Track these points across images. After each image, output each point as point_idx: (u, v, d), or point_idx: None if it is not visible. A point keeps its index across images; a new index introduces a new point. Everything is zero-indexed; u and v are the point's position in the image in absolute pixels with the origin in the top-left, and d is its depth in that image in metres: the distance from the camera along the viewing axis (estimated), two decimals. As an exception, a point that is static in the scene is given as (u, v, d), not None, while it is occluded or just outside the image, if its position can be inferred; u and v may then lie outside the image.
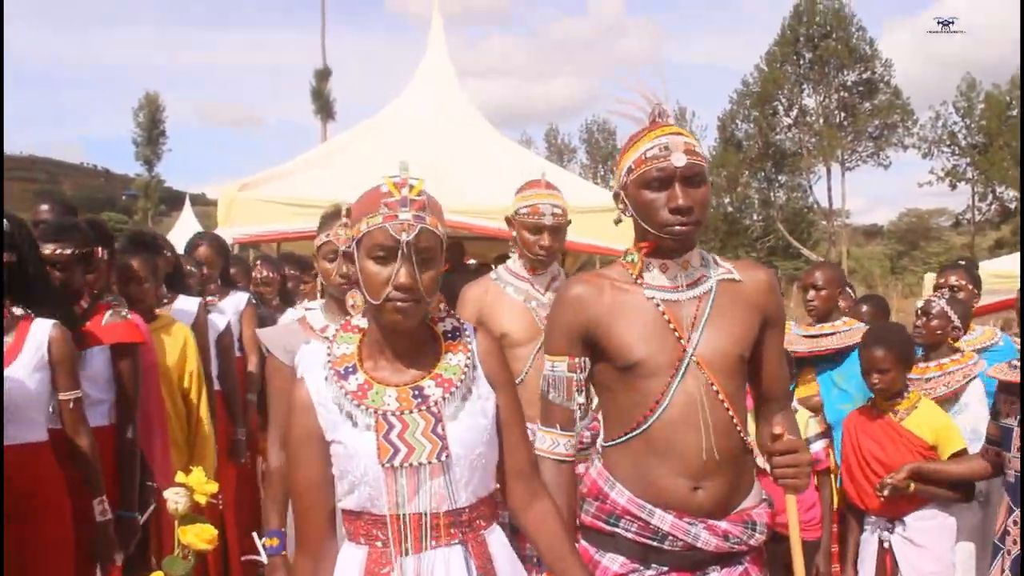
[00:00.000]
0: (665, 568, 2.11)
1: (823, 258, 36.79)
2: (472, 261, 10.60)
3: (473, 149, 8.51)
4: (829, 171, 38.57)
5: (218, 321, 4.67)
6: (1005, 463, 3.25)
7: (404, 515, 1.84)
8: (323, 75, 31.20)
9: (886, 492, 3.44)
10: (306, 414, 1.89)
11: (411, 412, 1.85)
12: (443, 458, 1.83)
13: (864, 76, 37.86)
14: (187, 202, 27.81)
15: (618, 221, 2.20)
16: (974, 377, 3.79)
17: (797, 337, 4.30)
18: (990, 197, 38.51)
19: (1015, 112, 35.87)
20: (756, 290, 2.18)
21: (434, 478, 1.84)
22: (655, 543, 2.10)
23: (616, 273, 2.19)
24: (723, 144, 40.71)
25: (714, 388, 2.08)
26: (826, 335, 4.17)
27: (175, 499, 2.31)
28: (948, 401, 3.81)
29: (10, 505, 2.74)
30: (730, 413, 2.09)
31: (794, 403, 3.82)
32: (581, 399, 2.18)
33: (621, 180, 2.14)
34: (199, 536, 2.26)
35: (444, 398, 1.88)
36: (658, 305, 2.11)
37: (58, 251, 3.27)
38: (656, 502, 2.09)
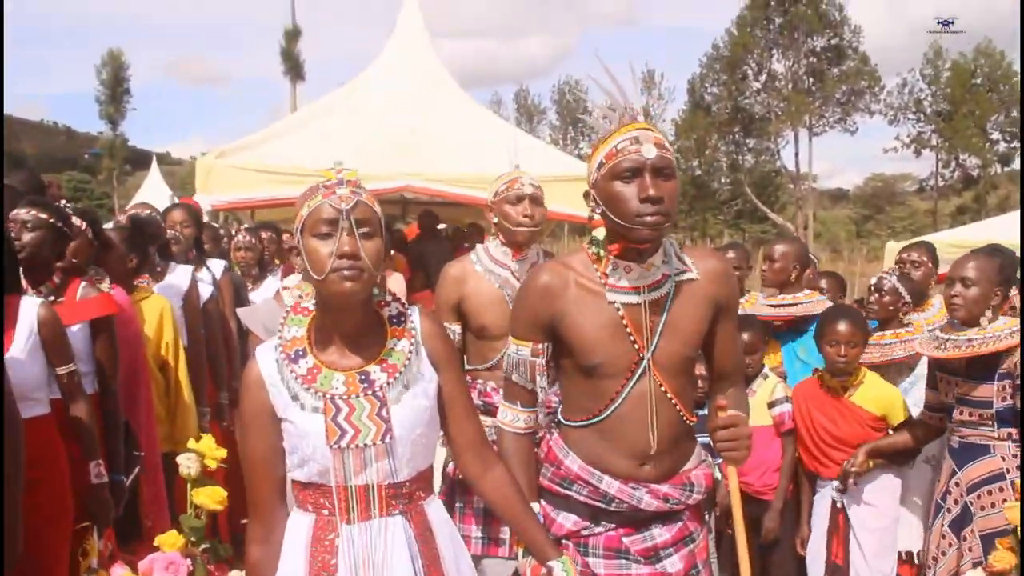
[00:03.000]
0: (612, 525, 2.30)
1: (789, 222, 37.23)
2: (443, 226, 10.70)
3: (446, 117, 8.58)
4: (796, 136, 38.83)
5: (203, 289, 4.77)
6: (949, 432, 3.48)
7: (351, 487, 1.96)
8: (293, 35, 30.88)
9: (851, 481, 3.66)
10: (258, 391, 1.99)
11: (358, 396, 1.96)
12: (387, 440, 1.94)
13: (833, 42, 37.96)
14: (154, 162, 27.64)
15: (590, 219, 2.25)
16: None
17: (762, 306, 4.50)
18: (953, 164, 39.02)
19: (979, 80, 36.28)
20: (710, 282, 2.29)
21: (379, 459, 1.96)
22: (603, 505, 2.28)
23: (581, 265, 2.27)
24: (692, 107, 40.78)
25: (663, 389, 2.24)
26: (787, 305, 4.37)
27: (187, 464, 2.46)
28: (903, 372, 4.03)
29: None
30: (677, 408, 2.27)
31: (765, 369, 4.05)
32: (543, 383, 2.31)
33: (592, 177, 2.20)
34: (210, 497, 2.43)
35: (388, 383, 1.98)
36: (619, 310, 2.21)
37: (29, 213, 3.28)
38: (605, 472, 2.27)
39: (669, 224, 2.15)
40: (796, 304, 4.33)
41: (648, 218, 2.10)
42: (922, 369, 3.96)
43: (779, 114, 38.44)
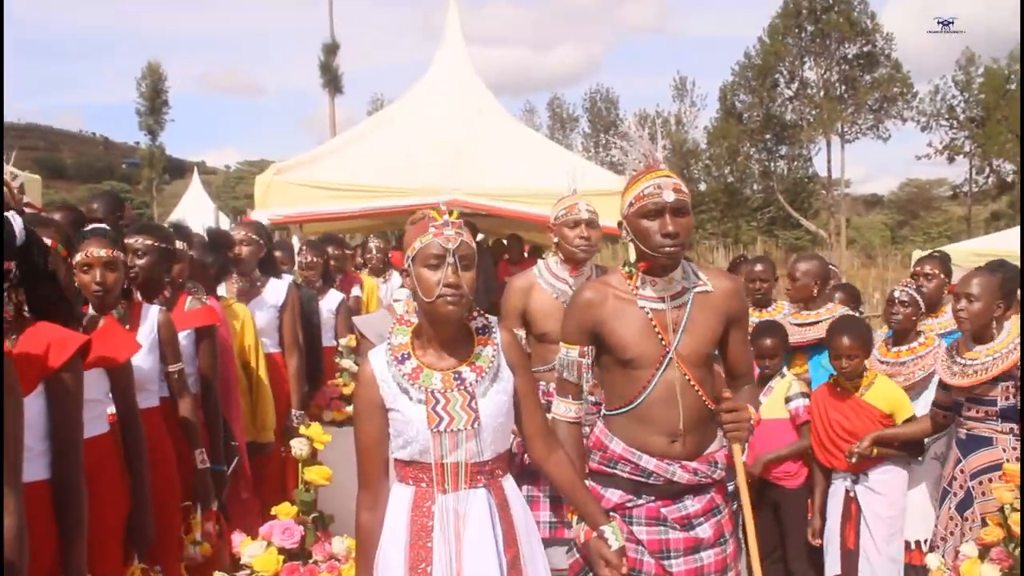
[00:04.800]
0: (652, 498, 2.79)
1: (823, 229, 37.27)
2: (481, 237, 11.15)
3: (489, 133, 9.03)
4: (829, 143, 38.82)
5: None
6: (957, 424, 3.87)
7: (446, 464, 2.44)
8: (331, 49, 31.57)
9: (854, 460, 4.08)
10: (370, 387, 2.49)
11: (452, 390, 2.45)
12: (475, 426, 2.44)
13: (865, 49, 37.93)
14: (195, 172, 28.41)
15: (622, 241, 2.80)
16: None
17: (789, 325, 4.90)
18: (987, 170, 38.87)
19: (1014, 86, 36.06)
20: (723, 297, 2.82)
21: (468, 441, 2.44)
22: (643, 479, 2.78)
23: (616, 282, 2.82)
24: (724, 115, 40.95)
25: (687, 377, 2.74)
26: (810, 324, 4.78)
27: (299, 447, 2.95)
28: (920, 391, 4.42)
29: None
30: (699, 394, 2.77)
31: (783, 369, 4.57)
32: (588, 378, 2.83)
33: (624, 211, 2.76)
34: (319, 474, 2.92)
35: (476, 380, 2.48)
36: (648, 313, 2.74)
37: (140, 241, 3.80)
38: (643, 451, 2.77)
39: (684, 249, 2.71)
40: (819, 322, 4.75)
41: (667, 248, 2.67)
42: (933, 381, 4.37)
43: (811, 121, 38.47)
